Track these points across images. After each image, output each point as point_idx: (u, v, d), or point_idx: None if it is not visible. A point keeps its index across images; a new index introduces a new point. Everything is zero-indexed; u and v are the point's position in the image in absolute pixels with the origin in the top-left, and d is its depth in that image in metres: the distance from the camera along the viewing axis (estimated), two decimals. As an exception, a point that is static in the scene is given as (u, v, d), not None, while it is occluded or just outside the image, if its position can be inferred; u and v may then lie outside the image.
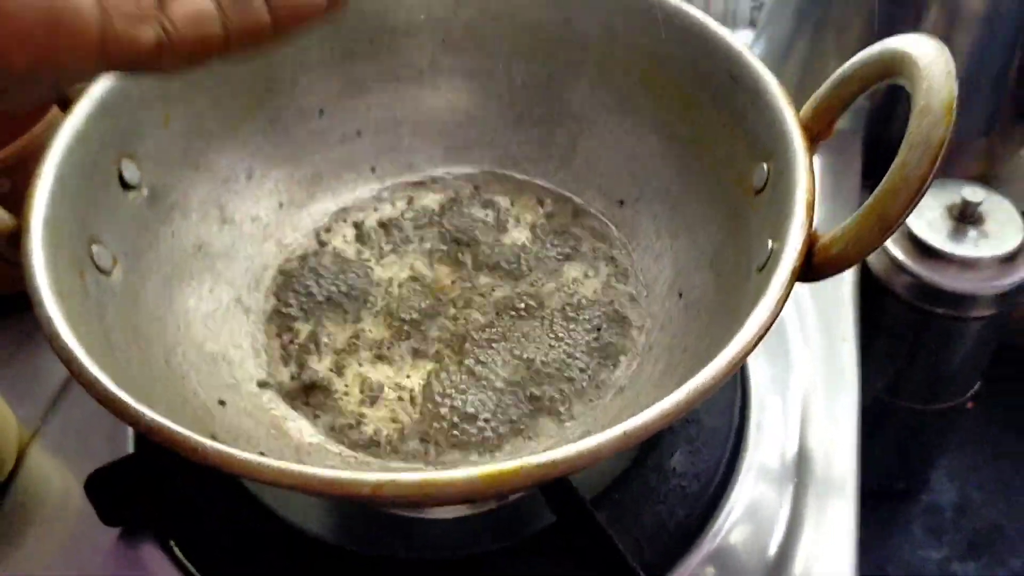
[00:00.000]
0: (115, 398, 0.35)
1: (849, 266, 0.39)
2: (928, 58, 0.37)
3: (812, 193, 0.41)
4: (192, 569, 0.46)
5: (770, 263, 0.41)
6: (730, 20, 0.87)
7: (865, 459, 0.51)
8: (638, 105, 0.54)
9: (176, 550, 0.47)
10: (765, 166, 0.45)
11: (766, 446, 0.51)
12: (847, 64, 0.43)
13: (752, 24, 0.86)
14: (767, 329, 0.37)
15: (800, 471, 0.51)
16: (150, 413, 0.34)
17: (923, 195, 0.37)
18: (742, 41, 0.48)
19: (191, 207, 0.52)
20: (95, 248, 0.44)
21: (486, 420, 0.46)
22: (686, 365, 0.45)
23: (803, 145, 0.43)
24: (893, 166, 0.37)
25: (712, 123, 0.49)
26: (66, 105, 0.46)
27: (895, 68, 0.39)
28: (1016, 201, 0.69)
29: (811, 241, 0.40)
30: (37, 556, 0.48)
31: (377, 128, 0.58)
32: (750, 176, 0.46)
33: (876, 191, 0.37)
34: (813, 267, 0.40)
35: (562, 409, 0.47)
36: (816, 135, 0.44)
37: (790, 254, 0.39)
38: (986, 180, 0.71)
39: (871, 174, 0.68)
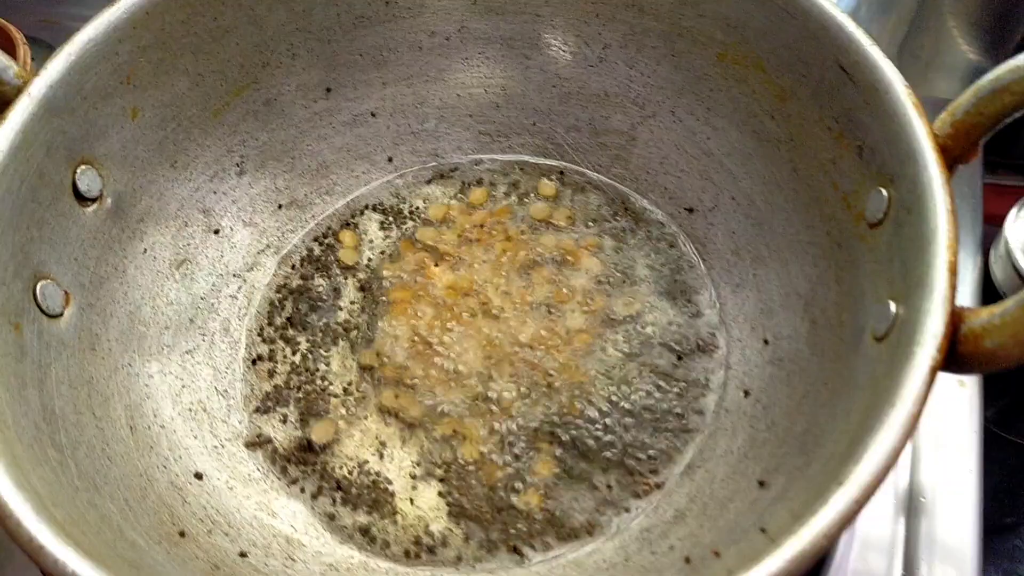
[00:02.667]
0: (36, 544, 0.27)
1: (1008, 366, 0.29)
2: None
3: (955, 249, 0.31)
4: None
5: (894, 336, 0.31)
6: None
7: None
8: (716, 90, 0.43)
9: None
10: (884, 193, 0.34)
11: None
12: (1008, 65, 0.32)
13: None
14: (897, 454, 0.27)
15: (913, 506, 0.42)
16: (72, 568, 0.26)
17: None
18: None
19: (168, 215, 0.43)
20: (41, 286, 0.36)
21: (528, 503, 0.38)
22: (772, 451, 0.35)
23: (940, 173, 0.32)
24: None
25: (813, 124, 0.39)
26: (1, 107, 0.37)
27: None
28: None
29: (955, 321, 0.30)
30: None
31: (395, 109, 0.48)
32: (862, 201, 0.36)
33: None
34: (957, 357, 0.30)
35: (610, 495, 0.38)
36: (955, 159, 0.34)
37: (929, 338, 0.29)
38: None
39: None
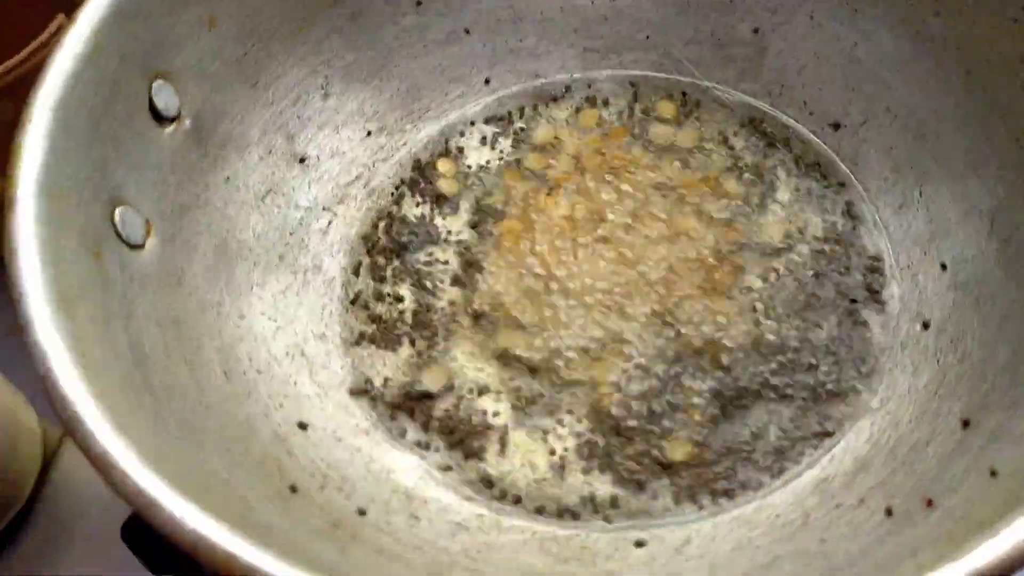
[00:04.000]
0: (147, 498, 0.22)
1: None
2: None
3: None
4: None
5: None
6: None
7: None
8: (864, -15, 0.38)
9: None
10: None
11: None
12: None
13: None
14: None
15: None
16: (192, 525, 0.22)
17: None
18: None
19: (250, 141, 0.38)
20: (120, 212, 0.31)
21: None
22: (971, 386, 0.31)
23: None
24: None
25: (991, 15, 0.34)
26: (72, 7, 0.32)
27: None
28: None
29: None
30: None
31: (491, 25, 0.43)
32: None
33: None
34: None
35: (770, 444, 0.34)
36: None
37: None
38: None
39: None
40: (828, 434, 0.33)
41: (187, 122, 0.35)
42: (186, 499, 0.23)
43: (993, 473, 0.25)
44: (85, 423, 0.23)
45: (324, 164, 0.40)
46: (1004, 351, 0.30)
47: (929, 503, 0.27)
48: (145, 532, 0.34)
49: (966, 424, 0.29)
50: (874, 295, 0.36)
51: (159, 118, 0.34)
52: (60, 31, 0.38)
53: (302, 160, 0.40)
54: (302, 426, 0.33)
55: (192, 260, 0.34)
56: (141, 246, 0.32)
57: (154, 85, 0.34)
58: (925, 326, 0.34)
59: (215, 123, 0.37)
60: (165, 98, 0.34)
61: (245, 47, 0.38)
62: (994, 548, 0.20)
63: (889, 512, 0.28)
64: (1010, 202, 0.33)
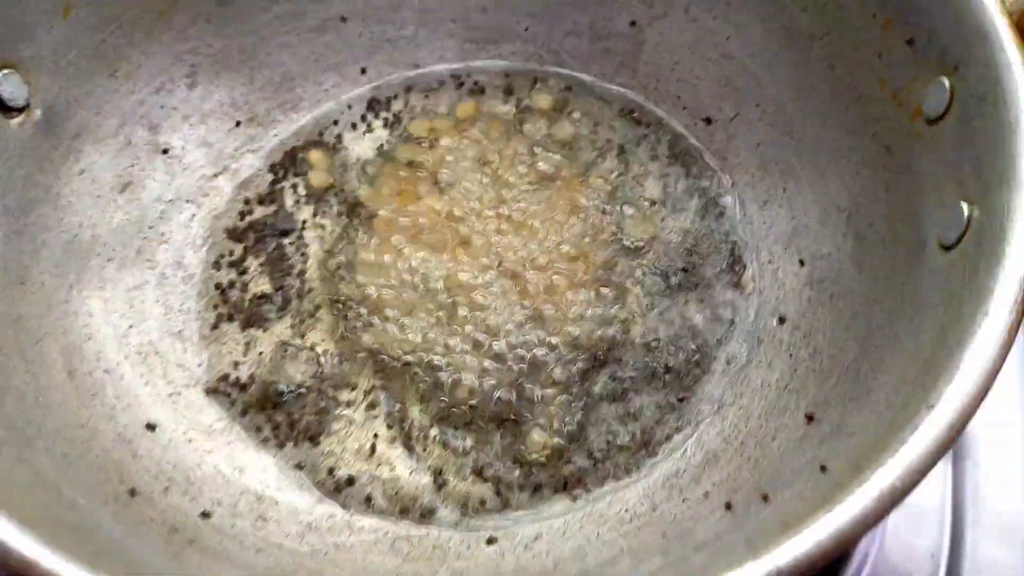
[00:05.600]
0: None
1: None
2: None
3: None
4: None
5: (970, 242, 0.27)
6: None
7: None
8: (735, -20, 0.38)
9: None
10: (947, 83, 0.30)
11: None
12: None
13: None
14: (996, 370, 0.23)
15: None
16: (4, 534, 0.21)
17: None
18: None
19: (107, 132, 0.37)
20: (-44, 208, 0.30)
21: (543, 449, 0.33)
22: (818, 382, 0.31)
23: (1019, 53, 0.28)
24: None
25: (854, 13, 0.34)
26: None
27: None
28: None
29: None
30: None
31: (368, 12, 0.42)
32: (918, 95, 0.31)
33: None
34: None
35: (625, 438, 0.34)
36: (1032, 39, 0.29)
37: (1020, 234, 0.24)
38: None
39: None
40: (681, 428, 0.33)
41: (37, 112, 0.34)
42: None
43: (823, 468, 0.25)
44: None
45: (189, 155, 0.39)
46: (852, 348, 0.30)
47: (765, 498, 0.27)
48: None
49: (810, 419, 0.30)
50: (735, 289, 0.36)
51: (4, 109, 0.33)
52: None
53: (165, 151, 0.38)
54: (150, 427, 0.32)
55: (39, 257, 0.33)
56: (-21, 243, 0.31)
57: (0, 75, 0.33)
58: (781, 321, 0.34)
59: (69, 113, 0.35)
60: (11, 88, 0.33)
61: (103, 34, 0.36)
62: (794, 548, 0.20)
63: (728, 506, 0.28)
64: (866, 199, 0.33)
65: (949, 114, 0.30)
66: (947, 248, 0.28)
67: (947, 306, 0.26)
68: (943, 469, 0.37)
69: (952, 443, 0.22)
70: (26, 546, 0.21)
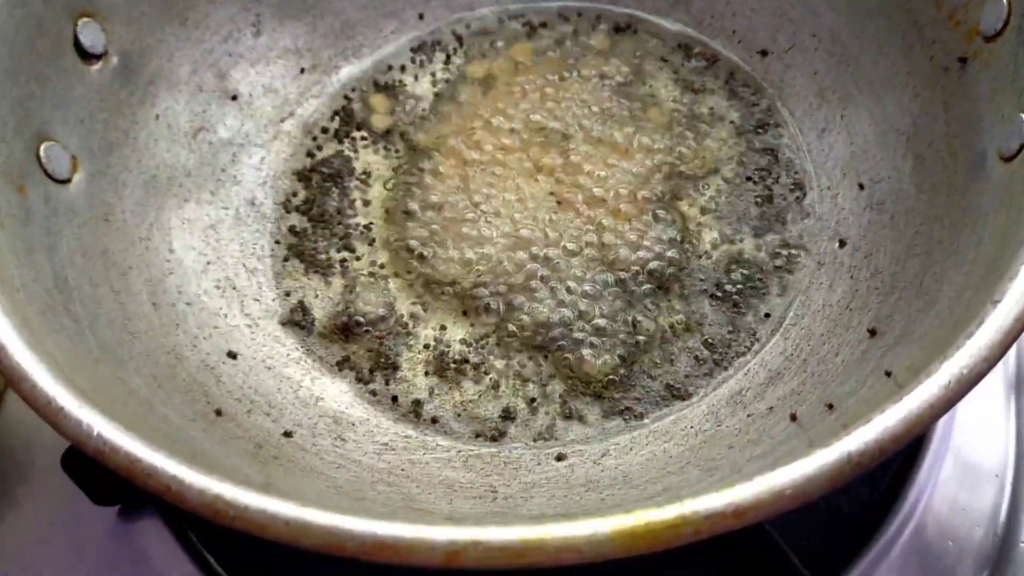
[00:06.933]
0: (54, 407, 0.23)
1: None
2: None
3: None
4: (207, 553, 0.35)
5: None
6: None
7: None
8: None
9: (189, 532, 0.36)
10: (1005, 0, 0.30)
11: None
12: None
13: None
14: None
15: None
16: (108, 433, 0.22)
17: None
18: None
19: (179, 78, 0.38)
20: (45, 147, 0.32)
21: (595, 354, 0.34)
22: (880, 299, 0.31)
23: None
24: None
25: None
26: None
27: None
28: None
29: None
30: (22, 531, 0.38)
31: (424, -43, 0.43)
32: (973, 15, 0.31)
33: None
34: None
35: (688, 361, 0.34)
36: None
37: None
38: None
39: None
40: (746, 351, 0.34)
41: (114, 60, 0.36)
42: (94, 410, 0.23)
43: (888, 374, 0.26)
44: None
45: (257, 101, 0.40)
46: (914, 264, 0.31)
47: (830, 406, 0.27)
48: (85, 462, 0.35)
49: (872, 333, 0.30)
50: (797, 215, 0.36)
51: (85, 56, 0.34)
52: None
53: (234, 97, 0.40)
54: (231, 355, 0.34)
55: (121, 196, 0.35)
56: (67, 181, 0.33)
57: (79, 23, 0.34)
58: (842, 244, 0.35)
59: (143, 61, 0.37)
60: (91, 35, 0.35)
61: (173, -17, 0.38)
62: (863, 435, 0.21)
63: (794, 418, 0.29)
64: (925, 120, 0.33)
65: (1007, 28, 0.30)
66: (1007, 159, 0.28)
67: (1008, 212, 0.26)
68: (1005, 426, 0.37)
69: (1019, 334, 0.22)
70: (129, 444, 0.23)
